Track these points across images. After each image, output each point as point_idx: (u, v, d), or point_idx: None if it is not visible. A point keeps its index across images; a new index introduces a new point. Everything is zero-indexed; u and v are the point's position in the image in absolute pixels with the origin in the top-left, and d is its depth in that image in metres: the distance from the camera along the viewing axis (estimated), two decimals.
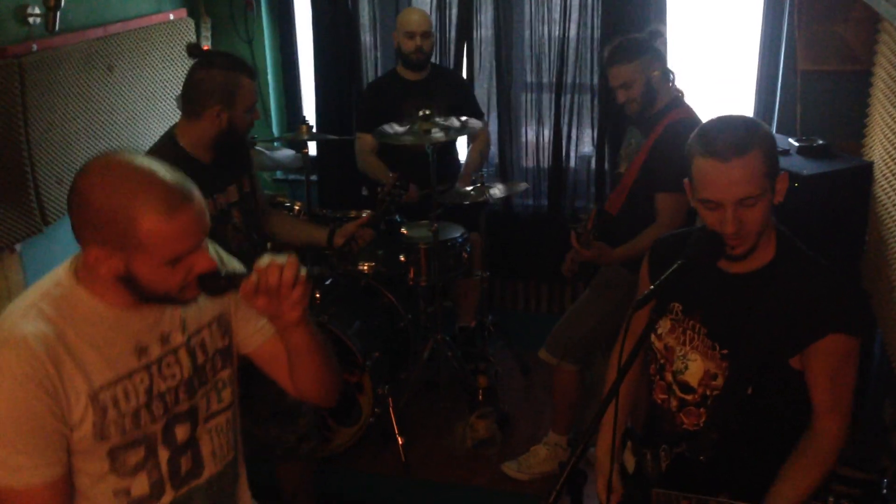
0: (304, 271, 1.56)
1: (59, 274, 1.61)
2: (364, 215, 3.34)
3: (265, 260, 1.56)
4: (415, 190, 4.02)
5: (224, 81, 2.62)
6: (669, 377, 2.06)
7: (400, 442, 3.56)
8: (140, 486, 1.64)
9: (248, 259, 2.77)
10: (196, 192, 1.54)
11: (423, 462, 3.59)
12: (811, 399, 1.90)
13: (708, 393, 1.98)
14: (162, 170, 1.52)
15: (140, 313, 1.61)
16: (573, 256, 3.27)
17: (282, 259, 1.55)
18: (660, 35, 3.21)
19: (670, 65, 3.31)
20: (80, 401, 1.52)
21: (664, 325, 2.07)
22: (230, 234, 2.78)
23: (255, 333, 1.83)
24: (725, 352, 1.94)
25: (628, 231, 3.15)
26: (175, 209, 1.48)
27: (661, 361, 2.08)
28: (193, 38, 4.50)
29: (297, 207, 3.93)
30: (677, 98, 3.21)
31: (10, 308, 1.56)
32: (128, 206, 1.46)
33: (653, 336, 2.08)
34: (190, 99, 2.65)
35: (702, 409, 2.00)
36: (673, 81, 3.23)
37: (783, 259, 1.93)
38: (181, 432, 1.69)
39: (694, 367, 2.00)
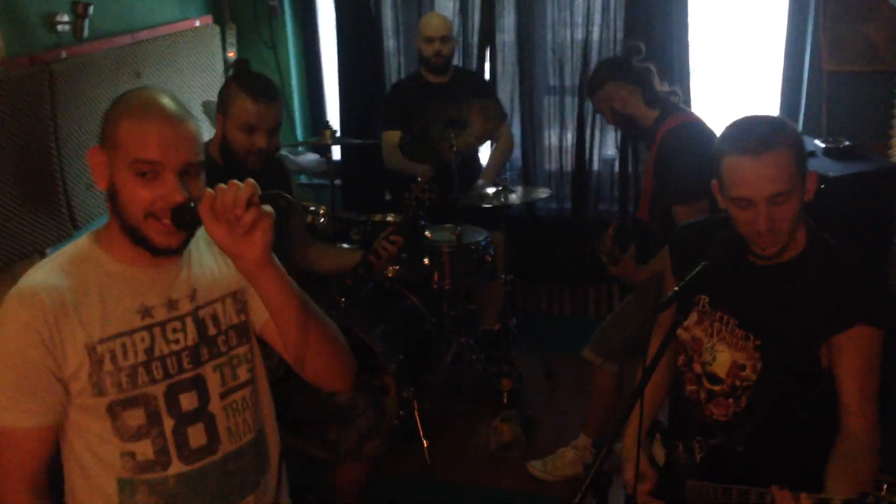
0: (268, 209, 1.51)
1: (81, 239, 1.70)
2: (389, 227, 3.24)
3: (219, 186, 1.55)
4: (428, 169, 4.01)
5: (227, 94, 2.72)
6: (698, 368, 2.07)
7: (425, 444, 3.56)
8: (144, 450, 1.65)
9: None
10: (186, 121, 1.60)
11: (448, 464, 3.60)
12: (839, 397, 1.90)
13: (737, 384, 1.99)
14: (166, 96, 1.62)
15: (150, 274, 1.66)
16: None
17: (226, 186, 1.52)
18: (638, 51, 3.20)
19: (692, 67, 3.29)
20: (76, 351, 1.58)
21: (691, 317, 2.08)
22: None
23: (261, 307, 1.75)
24: (759, 342, 1.95)
25: (657, 240, 3.15)
26: (150, 114, 1.57)
27: (690, 353, 2.09)
28: (219, 45, 4.54)
29: (321, 211, 3.95)
30: (669, 104, 3.15)
31: (38, 263, 1.67)
32: (119, 108, 1.61)
33: (680, 328, 2.08)
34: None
35: (730, 400, 2.01)
36: (658, 87, 3.18)
37: (812, 251, 1.94)
38: (186, 401, 1.69)
39: (722, 359, 2.01)
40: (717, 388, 2.03)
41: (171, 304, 1.68)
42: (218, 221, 1.49)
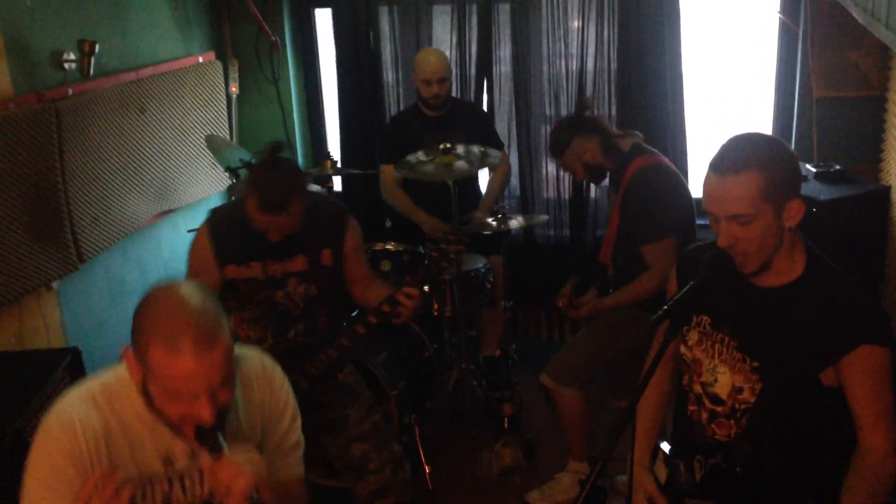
0: (255, 496, 1.60)
1: (118, 370, 1.74)
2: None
3: (234, 454, 1.63)
4: (441, 227, 4.09)
5: (246, 183, 2.70)
6: (699, 388, 2.10)
7: (427, 470, 3.59)
8: None
9: (285, 328, 2.82)
10: (216, 346, 1.58)
11: (450, 490, 3.62)
12: (854, 417, 1.92)
13: (737, 406, 2.02)
14: (194, 309, 1.59)
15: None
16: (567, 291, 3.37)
17: (247, 462, 1.62)
18: (585, 105, 3.36)
19: (685, 96, 3.37)
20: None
21: (692, 337, 2.11)
22: (278, 299, 2.86)
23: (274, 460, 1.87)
24: (756, 364, 1.98)
25: (622, 276, 3.23)
26: (181, 350, 1.55)
27: (691, 373, 2.12)
28: (222, 80, 4.64)
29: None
30: (633, 148, 3.25)
31: (74, 387, 1.74)
32: (150, 330, 1.58)
33: (683, 347, 2.12)
34: None
35: (731, 421, 2.04)
36: (620, 136, 3.29)
37: (812, 274, 1.97)
38: None
39: (723, 380, 2.04)
40: (718, 408, 2.06)
41: (194, 454, 1.73)
42: (213, 478, 1.62)
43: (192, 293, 1.61)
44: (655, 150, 3.31)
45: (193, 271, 2.84)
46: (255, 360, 1.87)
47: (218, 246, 2.80)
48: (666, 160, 3.31)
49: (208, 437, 1.61)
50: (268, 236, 2.71)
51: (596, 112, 3.28)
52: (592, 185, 4.69)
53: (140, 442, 1.69)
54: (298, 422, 1.93)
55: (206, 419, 1.59)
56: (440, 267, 2.82)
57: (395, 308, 2.73)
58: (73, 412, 1.66)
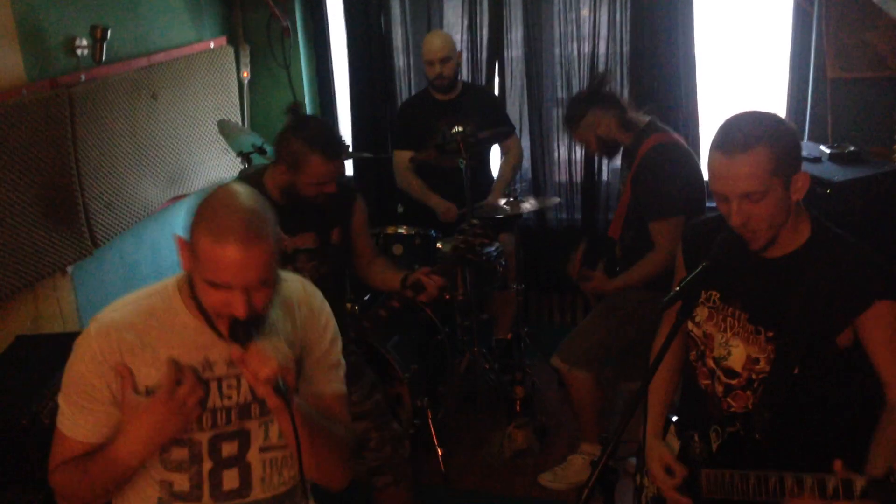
0: (277, 383, 1.64)
1: (168, 281, 1.82)
2: (419, 270, 3.03)
3: (261, 344, 1.66)
4: (455, 210, 4.11)
5: (297, 151, 2.70)
6: (711, 363, 2.10)
7: (439, 453, 3.61)
8: (181, 483, 1.80)
9: None
10: (261, 242, 1.62)
11: (463, 472, 3.64)
12: (879, 374, 1.93)
13: (753, 377, 2.03)
14: (246, 208, 1.64)
15: (217, 332, 1.75)
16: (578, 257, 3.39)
17: (274, 353, 1.65)
18: (603, 80, 3.32)
19: (698, 78, 3.36)
20: (138, 391, 1.72)
21: (702, 313, 2.11)
22: None
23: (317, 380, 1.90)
24: (771, 334, 1.99)
25: (629, 254, 3.22)
26: (225, 241, 1.60)
27: (702, 348, 2.13)
28: (233, 65, 4.64)
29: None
30: (648, 125, 3.25)
31: (129, 294, 1.81)
32: (201, 220, 1.65)
33: (690, 324, 2.13)
34: (274, 146, 2.81)
35: (748, 392, 2.04)
36: (632, 114, 3.27)
37: (817, 240, 1.97)
38: (227, 449, 1.81)
39: (737, 353, 2.05)
40: (734, 381, 2.06)
41: (231, 362, 1.76)
42: (244, 367, 1.66)
43: (248, 194, 1.68)
44: (669, 129, 3.30)
45: None
46: (296, 282, 1.92)
47: None
48: (680, 138, 3.30)
49: (241, 331, 1.65)
50: (318, 201, 2.75)
51: (613, 89, 3.26)
52: (604, 168, 4.68)
53: (180, 346, 1.74)
54: (339, 344, 1.95)
55: (240, 312, 1.63)
56: (465, 258, 2.94)
57: (419, 293, 2.89)
58: (112, 321, 1.73)
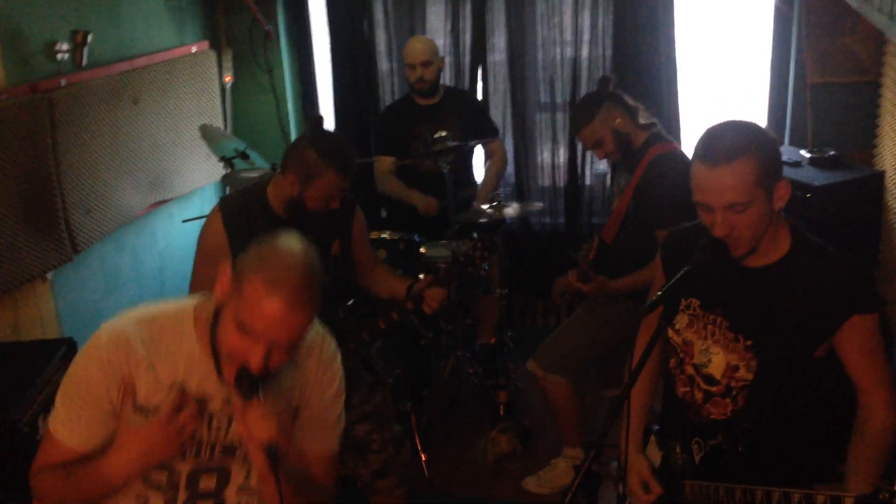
0: (269, 448, 1.62)
1: (188, 304, 1.80)
2: (423, 276, 3.01)
3: (265, 404, 1.64)
4: (435, 204, 4.10)
5: (312, 164, 2.66)
6: (691, 370, 2.11)
7: (423, 458, 3.60)
8: (156, 502, 1.79)
9: None
10: (306, 310, 1.62)
11: (447, 477, 3.64)
12: (853, 381, 1.97)
13: (732, 384, 2.04)
14: (310, 267, 1.64)
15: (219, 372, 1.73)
16: (563, 283, 3.35)
17: (274, 416, 1.64)
18: (608, 81, 3.27)
19: (680, 82, 3.36)
20: (134, 406, 1.72)
21: (682, 321, 2.12)
22: None
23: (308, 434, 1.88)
24: (749, 343, 2.00)
25: (622, 260, 3.22)
26: (277, 294, 1.58)
27: (681, 355, 2.14)
28: (216, 69, 4.63)
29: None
30: (654, 134, 3.23)
31: (146, 307, 1.80)
32: (265, 261, 1.63)
33: (671, 331, 2.14)
34: (285, 155, 2.76)
35: (727, 400, 2.05)
36: (642, 114, 3.24)
37: (798, 251, 1.99)
38: (205, 483, 1.81)
39: (717, 360, 2.06)
40: (713, 388, 2.07)
41: (227, 401, 1.76)
42: (240, 421, 1.66)
43: (315, 255, 1.68)
44: (671, 138, 3.30)
45: (204, 256, 2.79)
46: (316, 327, 1.89)
47: (231, 233, 2.79)
48: (680, 148, 3.29)
49: (247, 384, 1.63)
50: (327, 208, 2.73)
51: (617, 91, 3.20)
52: (587, 172, 4.70)
53: (183, 372, 1.73)
54: (342, 401, 1.93)
55: (254, 364, 1.62)
56: (466, 271, 2.91)
57: (420, 305, 2.87)
58: (125, 332, 1.71)
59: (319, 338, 1.90)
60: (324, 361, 1.89)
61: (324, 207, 2.72)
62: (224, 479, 1.82)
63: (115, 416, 1.71)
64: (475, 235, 3.07)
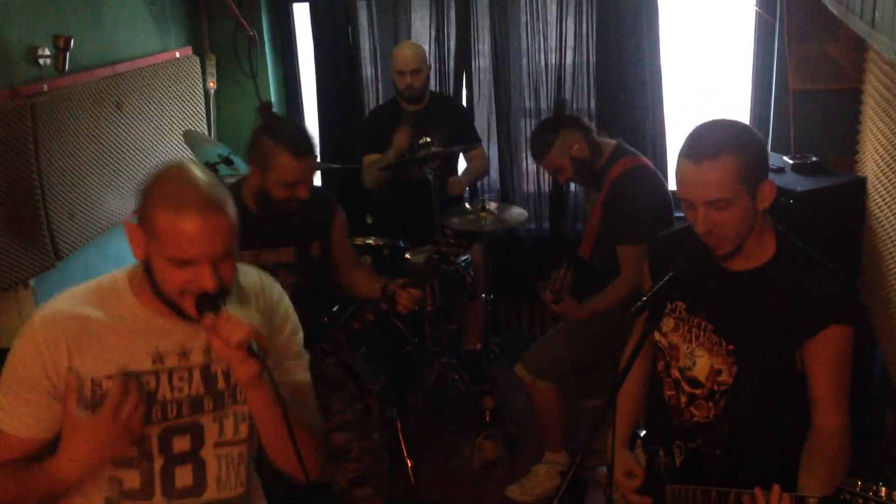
0: (252, 346, 1.61)
1: (119, 272, 1.77)
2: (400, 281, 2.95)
3: (231, 311, 1.63)
4: (406, 132, 4.03)
5: (265, 148, 2.66)
6: (676, 373, 2.12)
7: (409, 464, 3.60)
8: (131, 479, 1.74)
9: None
10: (223, 213, 1.61)
11: (432, 484, 3.63)
12: (811, 396, 1.96)
13: (715, 388, 2.05)
14: (202, 180, 1.62)
15: (171, 322, 1.72)
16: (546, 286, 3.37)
17: (244, 319, 1.63)
18: (564, 104, 3.32)
19: (664, 89, 3.38)
20: (84, 383, 1.67)
21: (668, 324, 2.13)
22: None
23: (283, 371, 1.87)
24: (731, 347, 2.01)
25: (599, 276, 3.24)
26: (187, 210, 1.57)
27: (668, 359, 2.15)
28: (199, 75, 4.61)
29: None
30: (617, 148, 3.25)
31: (78, 285, 1.75)
32: (158, 195, 1.61)
33: (658, 334, 2.14)
34: (247, 149, 2.76)
35: (710, 403, 2.06)
36: (600, 134, 3.28)
37: (783, 257, 2.00)
38: (179, 444, 1.76)
39: (701, 363, 2.07)
40: (697, 391, 2.08)
41: (184, 354, 1.74)
42: (214, 335, 1.62)
43: (199, 168, 1.66)
44: (637, 152, 3.32)
45: None
46: (253, 274, 1.89)
47: None
48: (648, 162, 3.31)
49: (210, 304, 1.61)
50: (290, 208, 2.70)
51: (574, 110, 3.25)
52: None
53: (131, 338, 1.69)
54: (300, 335, 1.93)
55: (209, 285, 1.60)
56: (440, 269, 2.91)
57: (395, 306, 2.86)
58: (59, 310, 1.68)
59: (259, 280, 1.89)
60: (273, 302, 1.88)
61: (290, 196, 2.68)
62: (198, 436, 1.78)
63: (59, 399, 1.66)
64: (447, 233, 3.06)
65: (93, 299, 1.71)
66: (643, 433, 2.22)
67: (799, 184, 3.62)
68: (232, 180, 3.37)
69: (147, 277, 1.67)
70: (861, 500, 1.57)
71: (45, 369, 1.65)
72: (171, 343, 1.73)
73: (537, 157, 3.31)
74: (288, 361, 1.87)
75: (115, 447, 1.65)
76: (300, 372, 1.90)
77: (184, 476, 1.77)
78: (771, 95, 4.28)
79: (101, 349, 1.67)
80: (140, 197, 1.64)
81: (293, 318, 1.93)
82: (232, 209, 1.64)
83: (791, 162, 3.84)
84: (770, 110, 4.30)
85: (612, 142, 3.29)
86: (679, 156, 1.94)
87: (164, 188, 1.61)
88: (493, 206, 3.97)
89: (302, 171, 2.68)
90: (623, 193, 3.14)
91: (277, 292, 1.92)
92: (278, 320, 1.88)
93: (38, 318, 1.68)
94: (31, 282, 3.49)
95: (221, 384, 1.79)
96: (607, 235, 3.22)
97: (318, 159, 4.30)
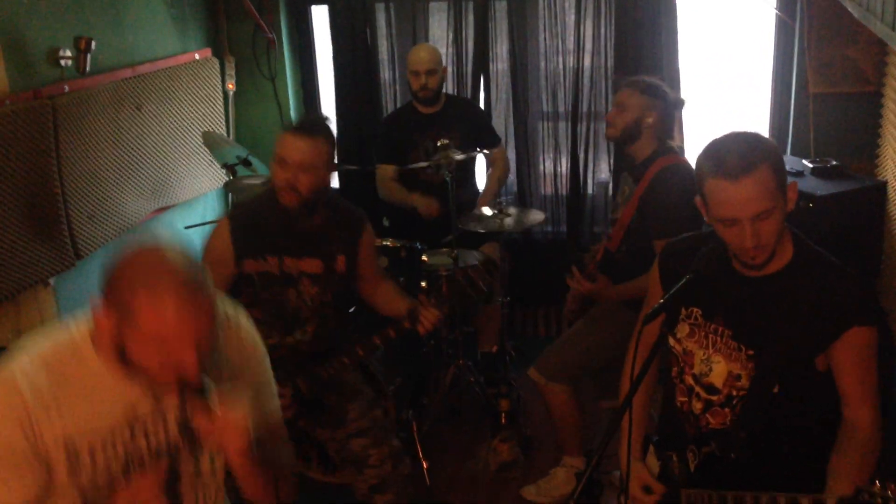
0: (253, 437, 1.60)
1: (75, 328, 1.68)
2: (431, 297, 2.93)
3: (225, 399, 1.61)
4: (436, 205, 4.09)
5: (278, 138, 2.73)
6: (690, 380, 2.11)
7: (424, 465, 3.60)
8: None
9: (291, 328, 2.84)
10: (203, 294, 1.56)
11: (448, 485, 3.63)
12: (841, 393, 1.97)
13: (733, 393, 2.04)
14: (181, 261, 1.56)
15: (137, 383, 1.66)
16: (574, 296, 3.38)
17: (238, 404, 1.61)
18: (682, 102, 3.27)
19: (682, 95, 3.37)
20: (56, 444, 1.62)
21: (682, 330, 2.12)
22: (290, 298, 2.85)
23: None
24: (751, 353, 2.00)
25: (625, 269, 3.22)
26: (169, 299, 1.50)
27: (681, 365, 2.13)
28: (218, 77, 4.64)
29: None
30: (665, 145, 3.24)
31: (23, 344, 1.66)
32: (133, 279, 1.53)
33: (672, 339, 2.13)
34: None
35: (727, 410, 2.05)
36: (666, 132, 3.26)
37: (800, 260, 1.99)
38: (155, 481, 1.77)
39: (718, 369, 2.06)
40: (714, 397, 2.07)
41: (157, 398, 1.71)
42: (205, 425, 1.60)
43: (171, 246, 1.60)
44: (679, 151, 3.31)
45: (208, 263, 2.80)
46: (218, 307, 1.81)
47: (237, 239, 2.81)
48: (687, 161, 3.29)
49: (194, 393, 1.58)
50: (283, 197, 2.70)
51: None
52: (590, 182, 4.70)
53: (98, 399, 1.64)
54: (268, 361, 1.90)
55: (192, 369, 1.54)
56: (466, 293, 2.87)
57: (416, 325, 2.83)
58: (16, 371, 1.59)
59: (223, 313, 1.83)
60: (242, 334, 1.85)
61: (291, 184, 2.66)
62: (174, 477, 1.77)
63: (40, 459, 1.61)
64: (476, 254, 3.01)
65: (50, 362, 1.62)
66: (655, 438, 2.21)
67: (819, 188, 3.60)
68: (256, 183, 3.40)
69: (114, 347, 1.61)
70: (881, 501, 1.56)
71: (24, 433, 1.58)
72: (141, 395, 1.69)
73: (627, 85, 3.24)
74: (262, 391, 1.86)
75: None
76: (272, 400, 1.90)
77: None
78: (791, 99, 4.26)
79: (69, 410, 1.61)
80: (109, 274, 1.57)
81: (260, 345, 1.90)
82: (210, 286, 1.59)
83: (811, 166, 3.82)
84: (790, 114, 4.28)
85: (665, 142, 3.27)
86: (706, 177, 1.91)
87: (140, 269, 1.54)
88: (512, 211, 3.96)
89: (299, 151, 2.66)
90: (664, 189, 3.12)
91: (245, 320, 1.88)
92: (248, 345, 1.86)
93: (0, 384, 1.60)
94: (52, 281, 3.52)
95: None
96: (638, 230, 3.20)
97: (335, 159, 4.32)
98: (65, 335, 1.67)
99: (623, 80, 3.33)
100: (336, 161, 4.00)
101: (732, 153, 1.88)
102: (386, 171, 4.31)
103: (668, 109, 3.24)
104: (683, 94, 3.28)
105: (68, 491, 1.65)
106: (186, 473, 1.78)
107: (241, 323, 1.87)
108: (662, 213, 3.11)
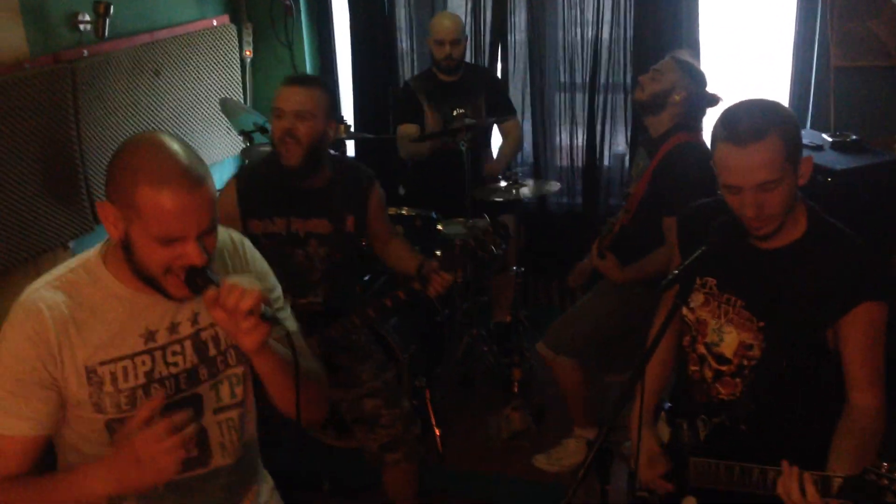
0: (264, 309, 1.57)
1: (89, 254, 1.71)
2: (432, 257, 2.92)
3: (232, 279, 1.59)
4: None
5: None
6: (702, 349, 2.11)
7: (437, 433, 3.63)
8: None
9: (302, 290, 2.84)
10: (204, 183, 1.56)
11: (460, 453, 3.66)
12: (846, 374, 1.95)
13: (744, 363, 2.04)
14: (181, 152, 1.56)
15: (154, 299, 1.67)
16: (582, 268, 3.37)
17: (248, 285, 1.58)
18: (717, 100, 3.24)
19: (702, 67, 3.32)
20: (77, 371, 1.63)
21: (697, 299, 2.12)
22: (299, 259, 2.86)
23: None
24: (762, 324, 2.00)
25: (635, 246, 3.21)
26: (169, 185, 1.51)
27: (694, 334, 2.14)
28: (236, 44, 4.63)
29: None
30: (683, 122, 3.20)
31: (42, 276, 1.68)
32: (136, 171, 1.53)
33: (685, 309, 2.14)
34: None
35: (738, 379, 2.06)
36: (689, 117, 3.22)
37: (814, 233, 1.98)
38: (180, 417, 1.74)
39: (729, 339, 2.05)
40: (724, 367, 2.07)
41: (173, 328, 1.72)
42: (218, 307, 1.57)
43: (171, 138, 1.60)
44: (697, 128, 3.27)
45: None
46: (222, 233, 1.82)
47: (243, 199, 2.83)
48: (703, 140, 3.27)
49: (200, 279, 1.58)
50: (280, 150, 2.71)
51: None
52: (606, 153, 4.68)
53: (116, 321, 1.65)
54: (279, 288, 1.90)
55: (197, 259, 1.56)
56: (476, 255, 2.85)
57: (427, 287, 2.81)
58: (40, 300, 1.61)
59: (230, 239, 1.84)
60: (247, 259, 1.85)
61: (285, 134, 2.67)
62: (198, 407, 1.76)
63: (57, 390, 1.61)
64: (486, 218, 3.00)
65: (70, 286, 1.64)
66: (668, 406, 2.22)
67: (838, 162, 3.58)
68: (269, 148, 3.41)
69: (125, 255, 1.61)
70: (886, 481, 1.57)
71: (41, 360, 1.59)
72: (159, 318, 1.70)
73: (675, 58, 3.21)
74: (272, 304, 1.82)
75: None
76: (290, 320, 1.88)
77: (188, 448, 1.70)
78: (812, 72, 4.21)
79: (91, 337, 1.63)
80: (113, 171, 1.57)
81: (270, 271, 1.90)
82: (211, 179, 1.60)
83: (831, 140, 3.79)
84: (810, 87, 4.24)
85: (685, 118, 3.23)
86: (717, 141, 1.90)
87: (142, 161, 1.54)
88: (528, 182, 3.95)
89: (294, 98, 2.68)
90: (676, 164, 3.10)
91: (249, 248, 1.89)
92: (257, 275, 1.84)
93: (20, 311, 1.62)
94: (71, 244, 3.56)
95: (213, 351, 1.78)
96: (650, 204, 3.19)
97: (352, 129, 4.31)
98: (77, 262, 1.70)
99: (674, 52, 3.31)
100: (341, 117, 3.98)
101: (744, 119, 1.86)
102: (407, 131, 4.29)
103: (700, 97, 3.19)
104: (711, 81, 3.21)
105: (92, 416, 1.66)
106: (208, 406, 1.78)
107: (245, 245, 1.89)
108: (674, 189, 3.09)
